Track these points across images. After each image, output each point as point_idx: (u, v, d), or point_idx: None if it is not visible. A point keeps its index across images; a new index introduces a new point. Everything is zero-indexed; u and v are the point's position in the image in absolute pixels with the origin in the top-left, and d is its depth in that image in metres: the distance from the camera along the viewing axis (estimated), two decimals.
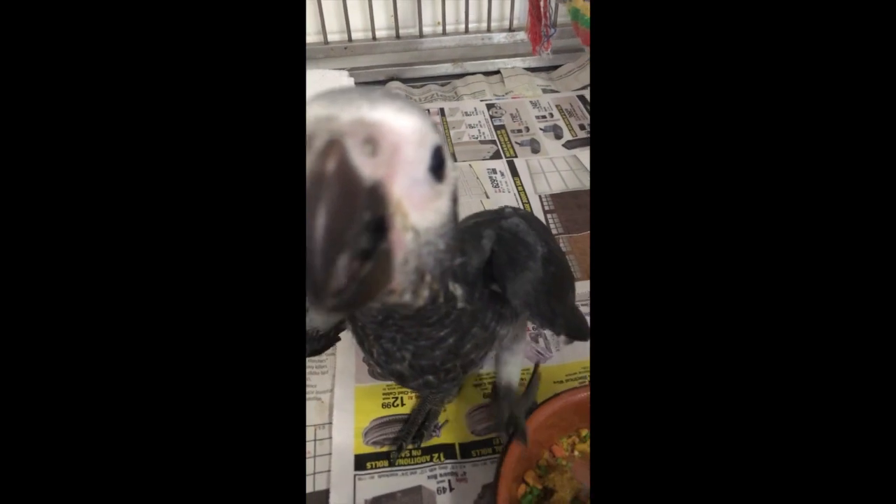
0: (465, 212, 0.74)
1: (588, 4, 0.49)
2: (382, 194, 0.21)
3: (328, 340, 0.39)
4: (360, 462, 0.46)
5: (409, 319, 0.29)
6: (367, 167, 0.20)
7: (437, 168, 0.23)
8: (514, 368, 0.46)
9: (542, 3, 0.59)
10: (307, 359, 0.41)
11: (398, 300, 0.25)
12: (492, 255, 0.33)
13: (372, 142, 0.20)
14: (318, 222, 0.19)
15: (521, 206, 0.72)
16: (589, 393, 0.44)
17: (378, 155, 0.20)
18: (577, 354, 0.55)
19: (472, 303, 0.31)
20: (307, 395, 0.51)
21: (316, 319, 0.37)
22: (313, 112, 0.21)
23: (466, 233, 0.33)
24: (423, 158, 0.22)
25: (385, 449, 0.47)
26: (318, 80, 0.89)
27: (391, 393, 0.51)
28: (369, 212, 0.20)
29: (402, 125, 0.21)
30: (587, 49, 0.53)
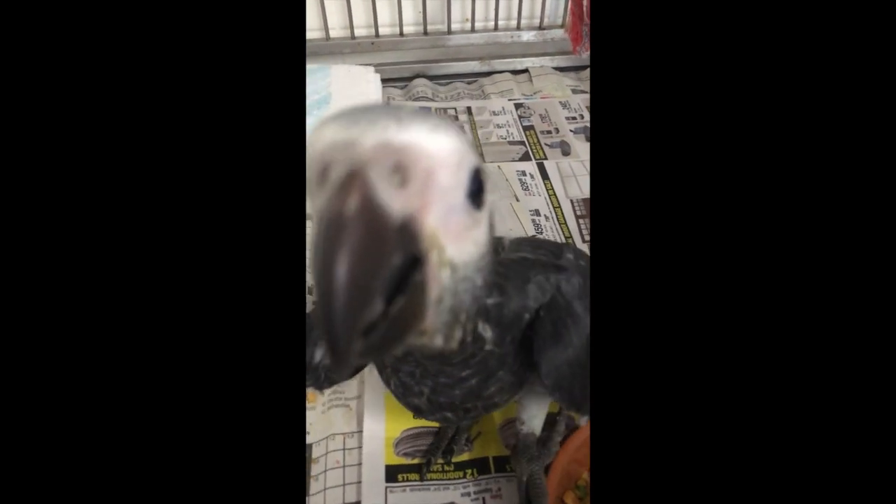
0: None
1: None
2: (415, 230, 0.18)
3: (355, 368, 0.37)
4: (391, 473, 0.45)
5: (431, 358, 0.27)
6: (396, 201, 0.17)
7: (476, 193, 0.20)
8: (538, 418, 0.42)
9: (584, 3, 0.57)
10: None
11: (428, 343, 0.22)
12: (536, 316, 0.30)
13: (401, 170, 0.17)
14: (340, 270, 0.16)
15: (552, 210, 0.70)
16: None
17: (409, 185, 0.17)
18: None
19: (502, 346, 0.28)
20: (335, 402, 0.50)
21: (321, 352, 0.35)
22: (329, 136, 0.18)
23: (512, 269, 0.30)
24: (461, 183, 0.19)
25: (417, 461, 0.46)
26: (345, 74, 0.87)
27: None
28: (400, 252, 0.18)
29: (436, 147, 0.18)
30: None
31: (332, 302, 0.16)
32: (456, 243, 0.20)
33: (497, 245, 0.34)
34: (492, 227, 0.23)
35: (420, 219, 0.18)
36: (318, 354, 0.35)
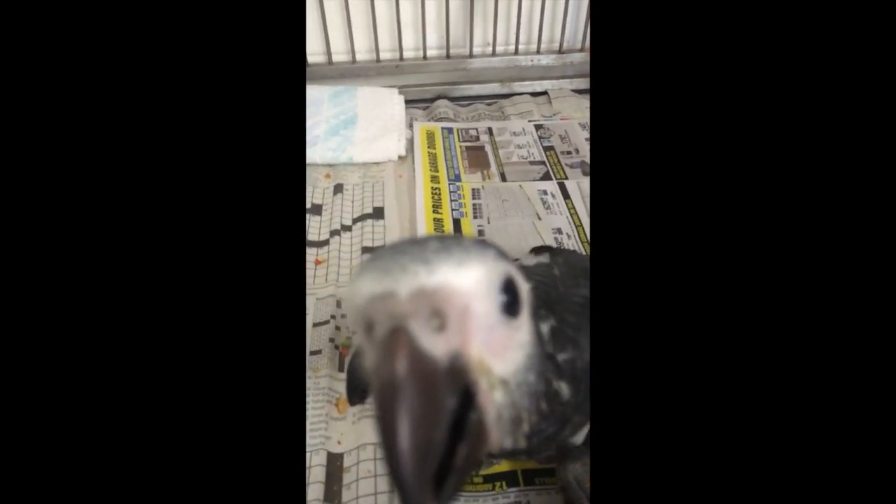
0: (517, 235, 0.73)
1: None
2: (462, 365, 0.19)
3: None
4: None
5: None
6: (439, 346, 0.18)
7: (511, 304, 0.21)
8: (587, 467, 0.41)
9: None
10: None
11: (497, 448, 0.23)
12: None
13: (439, 314, 0.18)
14: (402, 432, 0.17)
15: (574, 229, 0.72)
16: None
17: (448, 327, 0.18)
18: None
19: (578, 395, 0.29)
20: (366, 413, 0.51)
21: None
22: (367, 289, 0.19)
23: (581, 316, 0.30)
24: (494, 304, 0.20)
25: None
26: (371, 95, 0.90)
27: None
28: (453, 393, 0.18)
29: (465, 283, 0.19)
30: None
31: (399, 465, 0.17)
32: (501, 359, 0.21)
33: (550, 277, 0.35)
34: (534, 316, 0.24)
35: (465, 353, 0.19)
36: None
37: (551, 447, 0.33)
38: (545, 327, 0.28)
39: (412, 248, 0.20)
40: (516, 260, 0.42)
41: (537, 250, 0.48)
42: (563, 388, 0.28)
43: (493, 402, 0.21)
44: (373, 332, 0.18)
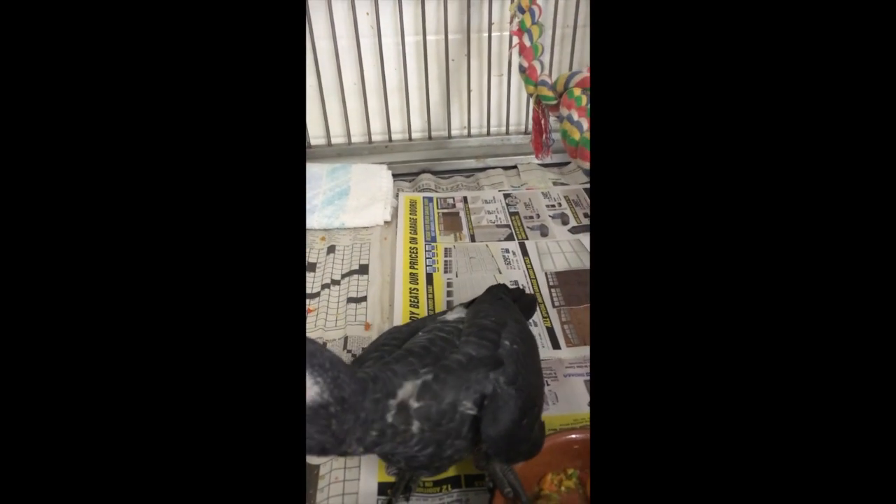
0: (479, 286, 0.84)
1: (574, 128, 0.64)
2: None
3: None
4: (382, 489, 0.56)
5: (380, 445, 0.40)
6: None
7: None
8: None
9: (542, 122, 0.75)
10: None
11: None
12: (482, 403, 0.44)
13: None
14: None
15: (529, 282, 0.84)
16: (574, 436, 0.54)
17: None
18: (572, 408, 0.64)
19: (441, 429, 0.42)
20: None
21: None
22: None
23: (453, 374, 0.43)
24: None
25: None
26: (363, 171, 1.06)
27: None
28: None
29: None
30: (574, 160, 0.68)
31: None
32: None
33: (455, 332, 0.48)
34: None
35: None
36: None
37: (444, 464, 0.46)
38: (415, 384, 0.41)
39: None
40: (443, 313, 0.56)
41: (471, 302, 0.60)
42: (415, 426, 0.41)
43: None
44: None
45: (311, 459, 0.55)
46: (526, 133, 1.14)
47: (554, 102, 0.70)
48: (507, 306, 0.57)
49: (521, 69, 0.75)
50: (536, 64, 0.73)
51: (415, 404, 0.41)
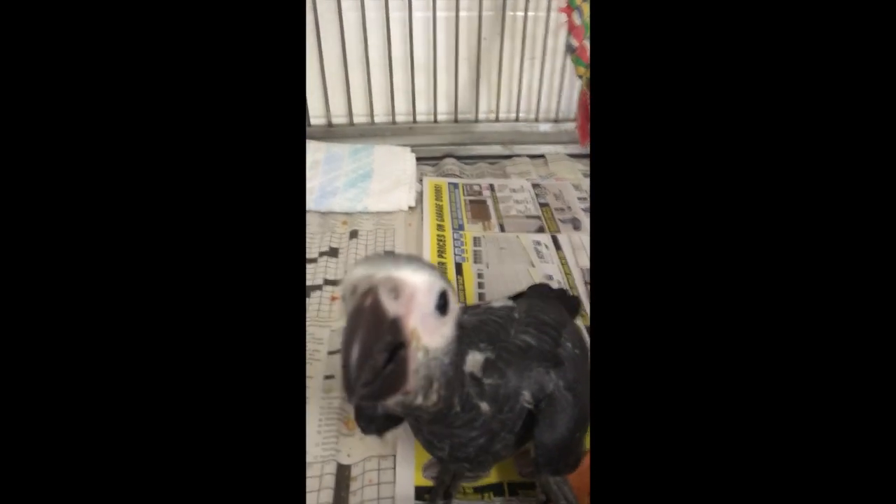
0: (512, 280, 0.80)
1: None
2: (402, 325, 0.29)
3: (390, 422, 0.46)
4: (420, 493, 0.52)
5: (435, 423, 0.36)
6: (391, 306, 0.29)
7: (442, 306, 0.31)
8: None
9: (590, 107, 0.70)
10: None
11: (412, 401, 0.32)
12: (538, 405, 0.40)
13: (395, 290, 0.29)
14: (355, 340, 0.27)
15: (564, 278, 0.80)
16: None
17: (399, 299, 0.29)
18: None
19: (501, 416, 0.38)
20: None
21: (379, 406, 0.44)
22: (358, 273, 0.30)
23: (515, 356, 0.39)
24: (432, 300, 0.31)
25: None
26: (386, 153, 1.01)
27: None
28: (391, 335, 0.29)
29: (415, 280, 0.30)
30: None
31: (348, 359, 0.27)
32: (428, 335, 0.31)
33: (508, 319, 0.44)
34: (458, 325, 0.34)
35: (405, 319, 0.29)
36: (380, 408, 0.43)
37: (489, 459, 0.41)
38: (481, 356, 0.38)
39: (389, 257, 0.31)
40: (488, 302, 0.52)
41: (517, 296, 0.56)
42: (484, 406, 0.36)
43: (415, 356, 0.30)
44: (355, 293, 0.29)
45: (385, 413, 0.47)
46: (556, 121, 1.10)
47: None
48: (560, 309, 0.53)
49: (571, 49, 0.70)
50: (587, 43, 0.68)
51: (485, 380, 0.37)
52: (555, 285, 0.77)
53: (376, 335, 0.27)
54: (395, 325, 0.28)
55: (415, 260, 0.31)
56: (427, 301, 0.30)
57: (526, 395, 0.39)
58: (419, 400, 0.32)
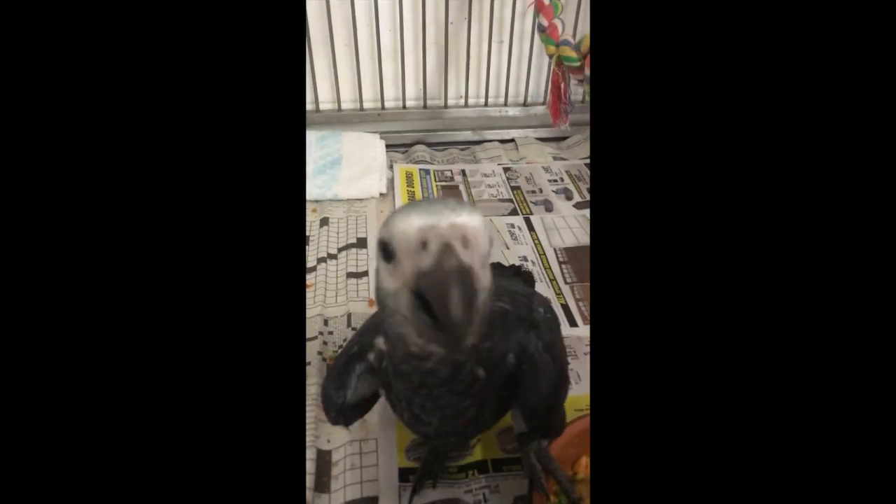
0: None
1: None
2: (476, 273, 0.29)
3: (360, 411, 0.45)
4: (404, 474, 0.51)
5: (441, 387, 0.35)
6: (466, 256, 0.28)
7: (488, 253, 0.31)
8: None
9: (562, 86, 0.70)
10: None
11: (466, 341, 0.31)
12: (519, 366, 0.40)
13: (465, 239, 0.28)
14: (454, 298, 0.27)
15: (538, 258, 0.80)
16: None
17: (469, 247, 0.29)
18: None
19: (492, 381, 0.38)
20: None
21: (350, 394, 0.43)
22: (418, 222, 0.28)
23: (497, 319, 0.39)
24: (486, 243, 0.30)
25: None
26: (355, 140, 0.99)
27: None
28: (475, 286, 0.29)
29: (477, 225, 0.29)
30: None
31: (452, 315, 0.27)
32: (484, 278, 0.30)
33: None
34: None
35: (476, 267, 0.29)
36: (349, 395, 0.43)
37: (475, 431, 0.41)
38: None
39: (439, 202, 0.30)
40: None
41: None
42: (480, 372, 0.36)
43: (482, 294, 0.31)
44: (427, 247, 0.28)
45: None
46: (525, 105, 1.10)
47: (577, 64, 0.66)
48: (520, 282, 0.54)
49: (541, 28, 0.70)
50: (557, 23, 0.68)
51: (484, 344, 0.36)
52: (529, 266, 0.78)
53: (469, 291, 0.28)
54: (475, 275, 0.29)
55: (459, 202, 0.31)
56: (484, 244, 0.30)
57: (511, 358, 0.39)
58: (469, 340, 0.32)
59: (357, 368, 0.42)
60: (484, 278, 0.30)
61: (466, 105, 1.09)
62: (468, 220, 0.28)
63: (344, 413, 0.43)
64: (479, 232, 0.29)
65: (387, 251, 0.30)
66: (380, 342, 0.38)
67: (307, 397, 0.58)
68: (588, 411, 0.50)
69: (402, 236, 0.28)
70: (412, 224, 0.28)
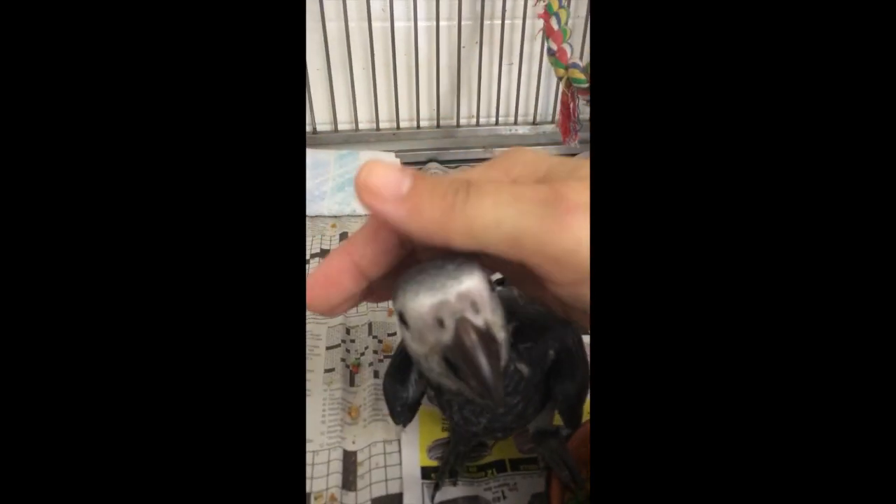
0: None
1: None
2: (492, 330, 0.31)
3: (413, 412, 0.48)
4: (426, 473, 0.54)
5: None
6: (479, 320, 0.30)
7: (493, 288, 0.33)
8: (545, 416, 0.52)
9: (571, 106, 0.74)
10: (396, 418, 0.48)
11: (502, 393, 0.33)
12: (557, 359, 0.43)
13: (475, 305, 0.30)
14: (484, 364, 0.29)
15: None
16: None
17: (480, 310, 0.30)
18: None
19: (535, 377, 0.41)
20: (376, 417, 0.60)
21: (413, 391, 0.47)
22: (428, 301, 0.29)
23: (537, 320, 0.42)
24: (487, 289, 0.32)
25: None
26: (371, 158, 1.04)
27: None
28: (495, 346, 0.30)
29: (478, 285, 0.31)
30: None
31: (487, 381, 0.29)
32: (494, 313, 0.32)
33: (511, 295, 0.47)
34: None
35: (490, 323, 0.31)
36: (412, 392, 0.46)
37: (521, 423, 0.44)
38: (510, 327, 0.39)
39: (436, 270, 0.30)
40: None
41: (499, 281, 0.59)
42: (523, 368, 0.39)
43: (501, 338, 0.32)
44: (444, 325, 0.29)
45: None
46: (534, 124, 1.14)
47: (585, 85, 0.70)
48: None
49: (551, 52, 0.74)
50: (566, 47, 0.73)
51: (521, 345, 0.39)
52: None
53: (493, 351, 0.29)
54: (493, 334, 0.30)
55: (451, 264, 0.31)
56: (487, 291, 0.31)
57: (551, 354, 0.43)
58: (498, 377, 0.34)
59: (413, 366, 0.45)
60: (498, 328, 0.32)
61: (478, 124, 1.14)
62: (471, 284, 0.30)
63: (408, 410, 0.46)
64: (483, 290, 0.30)
65: (405, 322, 0.31)
66: None
67: (333, 402, 0.61)
68: None
69: (416, 316, 0.30)
70: (423, 304, 0.29)
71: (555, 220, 0.24)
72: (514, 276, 0.35)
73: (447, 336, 0.29)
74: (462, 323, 0.29)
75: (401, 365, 0.46)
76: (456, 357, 0.29)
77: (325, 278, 0.30)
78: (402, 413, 0.46)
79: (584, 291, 0.25)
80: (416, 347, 0.32)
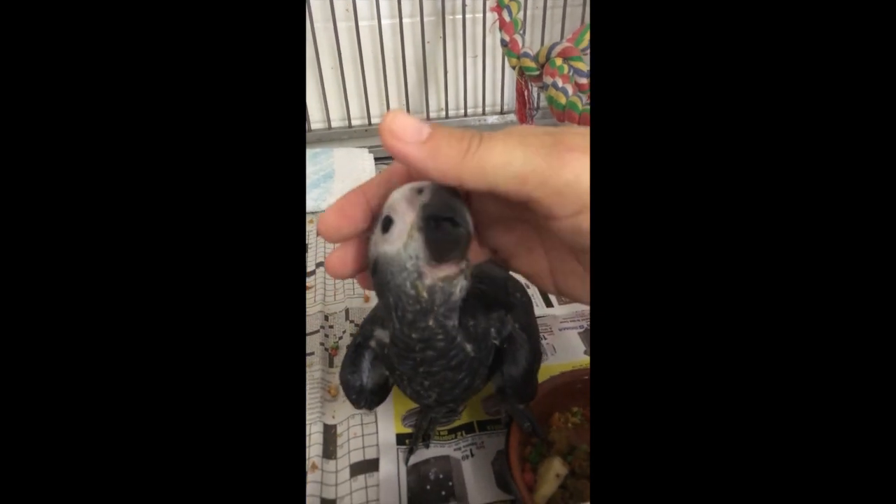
0: None
1: (560, 93, 0.68)
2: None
3: (380, 398, 0.51)
4: (401, 439, 0.58)
5: (437, 363, 0.41)
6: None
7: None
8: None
9: (525, 93, 0.79)
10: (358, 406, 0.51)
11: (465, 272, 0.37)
12: (502, 343, 0.46)
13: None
14: (459, 207, 0.31)
15: None
16: (572, 378, 0.57)
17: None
18: (569, 357, 0.68)
19: (479, 353, 0.44)
20: None
21: (366, 378, 0.50)
22: (407, 185, 0.32)
23: (480, 300, 0.45)
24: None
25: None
26: (345, 155, 1.08)
27: None
28: (458, 199, 0.32)
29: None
30: (563, 124, 0.71)
31: (458, 217, 0.31)
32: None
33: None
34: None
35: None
36: (365, 379, 0.49)
37: (468, 396, 0.48)
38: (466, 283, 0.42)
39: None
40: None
41: None
42: (468, 347, 0.42)
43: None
44: (423, 192, 0.32)
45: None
46: (502, 113, 1.18)
47: (536, 73, 0.74)
48: (493, 268, 0.61)
49: (504, 43, 0.79)
50: (518, 38, 0.77)
51: (469, 322, 0.42)
52: None
53: (464, 207, 0.31)
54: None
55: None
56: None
57: (493, 333, 0.46)
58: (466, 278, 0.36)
59: (366, 355, 0.49)
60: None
61: (447, 116, 1.18)
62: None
63: (365, 397, 0.50)
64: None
65: (387, 222, 0.32)
66: (379, 333, 0.46)
67: (313, 381, 0.66)
68: (558, 374, 0.58)
69: (398, 194, 0.32)
70: (405, 186, 0.32)
71: (556, 157, 0.26)
72: (513, 222, 0.36)
73: (425, 196, 0.32)
74: (439, 186, 0.31)
75: (353, 356, 0.49)
76: (433, 204, 0.31)
77: (339, 210, 0.33)
78: (359, 399, 0.50)
79: (584, 221, 0.27)
80: (390, 247, 0.33)
